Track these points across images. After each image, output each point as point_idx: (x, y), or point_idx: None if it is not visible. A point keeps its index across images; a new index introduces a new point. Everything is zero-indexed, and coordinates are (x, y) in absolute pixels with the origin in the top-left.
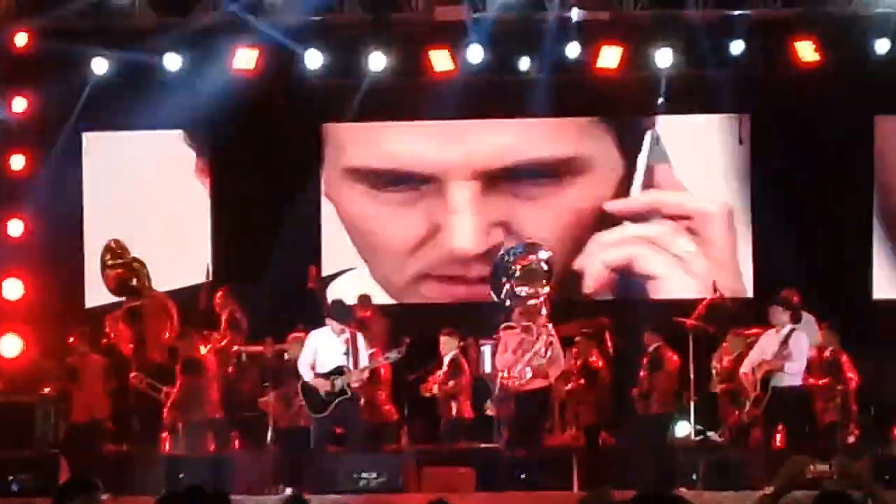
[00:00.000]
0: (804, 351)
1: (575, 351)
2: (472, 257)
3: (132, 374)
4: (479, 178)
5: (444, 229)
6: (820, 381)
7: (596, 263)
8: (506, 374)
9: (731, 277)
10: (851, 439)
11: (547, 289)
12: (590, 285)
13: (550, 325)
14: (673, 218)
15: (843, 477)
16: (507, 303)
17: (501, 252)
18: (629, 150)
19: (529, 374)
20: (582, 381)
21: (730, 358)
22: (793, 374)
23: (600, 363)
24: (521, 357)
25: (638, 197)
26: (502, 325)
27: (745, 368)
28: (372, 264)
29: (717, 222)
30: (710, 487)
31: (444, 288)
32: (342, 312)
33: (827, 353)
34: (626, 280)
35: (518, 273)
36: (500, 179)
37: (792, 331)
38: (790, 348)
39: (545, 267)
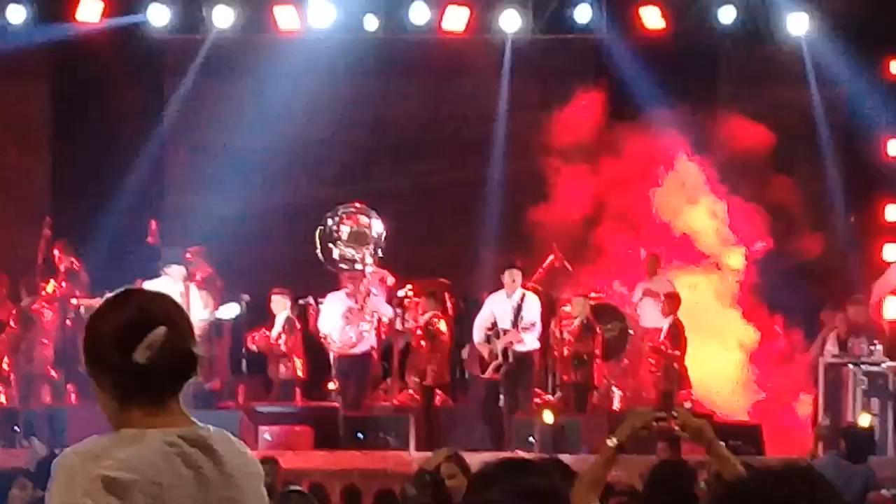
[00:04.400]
0: (537, 314)
1: (416, 311)
2: None
3: None
4: None
5: None
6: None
7: None
8: (329, 338)
9: None
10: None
11: (373, 252)
12: None
13: (373, 290)
14: None
15: (685, 429)
16: (338, 267)
17: (326, 217)
18: None
19: (354, 339)
20: (423, 341)
21: (571, 321)
22: (529, 340)
23: (441, 324)
24: (349, 324)
25: None
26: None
27: (477, 336)
28: None
29: None
30: (546, 450)
31: None
32: (175, 258)
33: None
34: None
35: (345, 235)
36: None
37: (524, 295)
38: (523, 315)
39: (375, 230)
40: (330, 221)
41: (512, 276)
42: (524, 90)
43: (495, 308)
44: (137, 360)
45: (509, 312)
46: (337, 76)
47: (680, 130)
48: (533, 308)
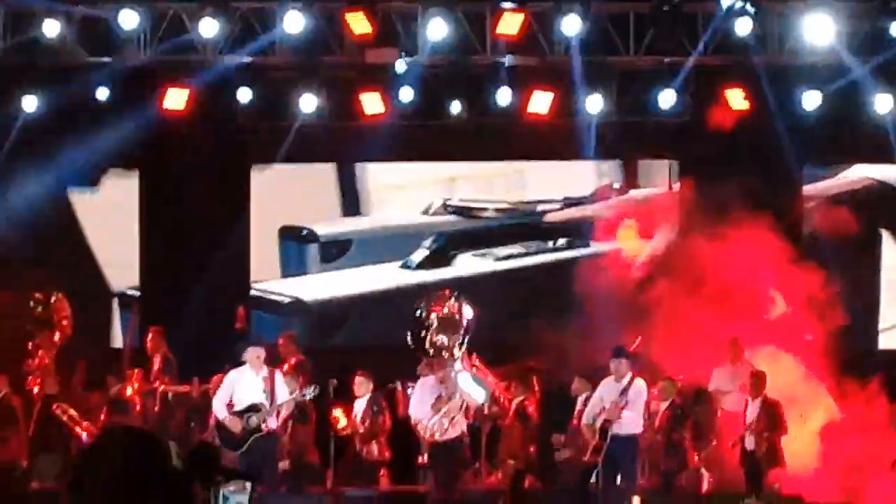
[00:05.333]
0: (643, 399)
1: (505, 395)
2: None
3: (55, 406)
4: None
5: None
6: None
7: None
8: (421, 425)
9: None
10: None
11: (462, 338)
12: None
13: (465, 372)
14: None
15: None
16: (431, 353)
17: (418, 304)
18: None
19: (445, 426)
20: (512, 424)
21: (658, 404)
22: (630, 423)
23: (530, 408)
24: (438, 411)
25: None
26: (419, 375)
27: (586, 419)
28: None
29: None
30: None
31: None
32: (256, 339)
33: (666, 406)
34: None
35: (435, 323)
36: None
37: (633, 379)
38: (629, 397)
39: (464, 317)
40: (421, 309)
41: (617, 364)
42: (607, 172)
43: (604, 393)
44: (177, 467)
45: (615, 395)
46: (422, 160)
47: (762, 208)
48: (636, 391)
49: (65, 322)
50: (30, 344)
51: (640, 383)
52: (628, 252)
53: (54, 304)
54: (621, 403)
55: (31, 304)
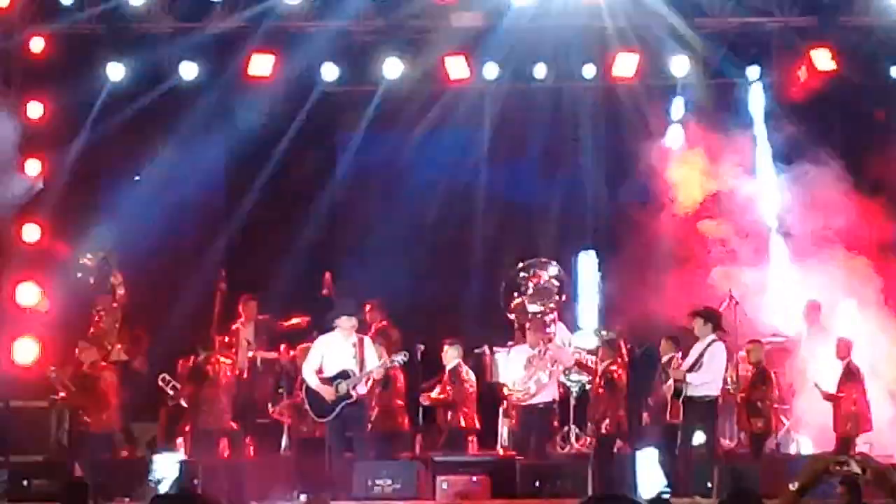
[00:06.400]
0: (717, 362)
1: (594, 359)
2: None
3: (160, 378)
4: None
5: None
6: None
7: None
8: (511, 387)
9: None
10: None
11: (554, 305)
12: None
13: (556, 340)
14: None
15: (877, 478)
16: (514, 317)
17: (516, 269)
18: None
19: (534, 389)
20: (601, 389)
21: (747, 367)
22: (701, 384)
23: (618, 372)
24: (529, 372)
25: None
26: (512, 340)
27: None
28: None
29: None
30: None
31: None
32: (347, 310)
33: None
34: None
35: (531, 291)
36: None
37: (712, 342)
38: (703, 359)
39: (556, 283)
40: (519, 274)
41: (695, 325)
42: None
43: (692, 351)
44: None
45: (694, 357)
46: (507, 125)
47: (842, 169)
48: (710, 354)
49: (119, 289)
50: (93, 312)
51: (716, 346)
52: (686, 189)
53: (108, 269)
54: (688, 367)
55: (80, 274)
